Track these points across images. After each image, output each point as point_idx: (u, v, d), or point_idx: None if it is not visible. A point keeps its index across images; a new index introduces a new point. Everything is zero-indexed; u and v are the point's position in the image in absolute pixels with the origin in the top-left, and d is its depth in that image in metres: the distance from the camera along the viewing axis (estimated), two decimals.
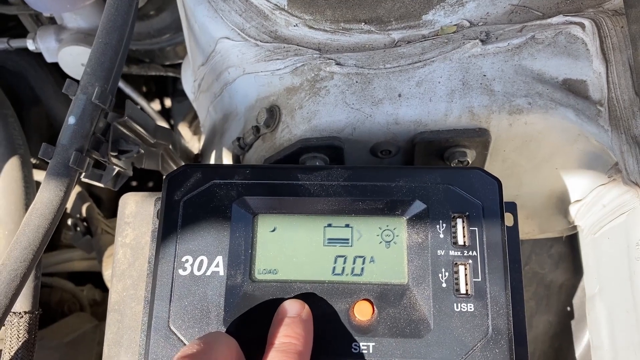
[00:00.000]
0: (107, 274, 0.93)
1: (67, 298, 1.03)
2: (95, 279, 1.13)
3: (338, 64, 0.63)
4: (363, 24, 0.63)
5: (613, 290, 0.65)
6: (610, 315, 0.66)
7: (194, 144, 1.15)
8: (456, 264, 0.49)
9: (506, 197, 0.56)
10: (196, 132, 1.18)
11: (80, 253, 1.04)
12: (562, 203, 0.72)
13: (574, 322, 0.84)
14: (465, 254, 0.49)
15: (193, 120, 1.19)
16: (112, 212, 1.18)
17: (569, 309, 0.85)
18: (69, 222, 0.98)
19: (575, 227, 0.74)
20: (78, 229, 0.96)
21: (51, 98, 1.12)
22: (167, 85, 1.37)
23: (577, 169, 0.67)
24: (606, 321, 0.66)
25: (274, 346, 0.44)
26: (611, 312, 0.65)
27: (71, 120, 0.59)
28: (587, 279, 0.71)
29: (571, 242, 0.85)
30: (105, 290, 1.13)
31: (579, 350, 0.82)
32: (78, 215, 0.97)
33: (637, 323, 0.59)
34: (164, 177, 0.52)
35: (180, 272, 0.49)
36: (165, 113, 1.42)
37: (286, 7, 0.65)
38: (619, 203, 0.62)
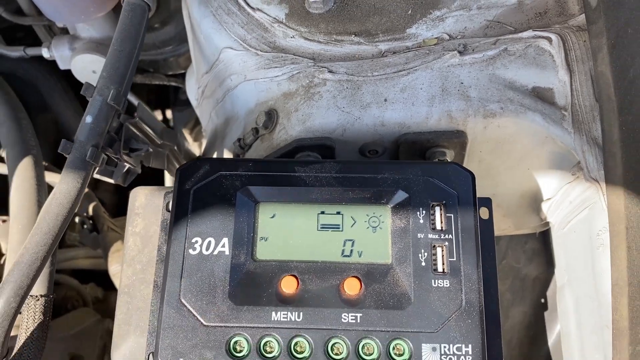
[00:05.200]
0: (112, 269, 0.99)
1: (71, 295, 1.08)
2: (98, 278, 1.18)
3: (330, 71, 0.70)
4: (353, 36, 0.70)
5: (579, 280, 0.71)
6: (577, 304, 0.72)
7: (194, 150, 1.21)
8: (434, 245, 0.55)
9: (483, 195, 0.63)
10: (196, 138, 1.25)
11: (84, 251, 1.10)
12: (534, 201, 0.79)
13: (547, 312, 0.90)
14: (442, 237, 0.55)
15: (193, 127, 1.26)
16: (114, 213, 1.24)
17: (542, 300, 0.92)
18: (77, 220, 1.04)
19: (547, 223, 0.80)
20: (85, 226, 1.01)
21: (59, 105, 1.18)
22: (168, 95, 1.44)
23: (547, 169, 0.73)
24: (573, 309, 0.73)
25: None
26: (578, 300, 0.72)
27: (88, 119, 0.65)
28: (557, 271, 0.77)
29: (544, 238, 0.91)
30: (107, 288, 1.19)
31: (551, 338, 0.88)
32: (85, 214, 1.03)
33: (600, 308, 0.66)
34: (176, 169, 0.58)
35: (191, 251, 0.55)
36: (166, 122, 1.49)
37: (284, 21, 0.72)
38: (582, 199, 0.69)
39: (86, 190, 1.09)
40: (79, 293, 1.08)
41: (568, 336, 0.74)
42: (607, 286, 0.63)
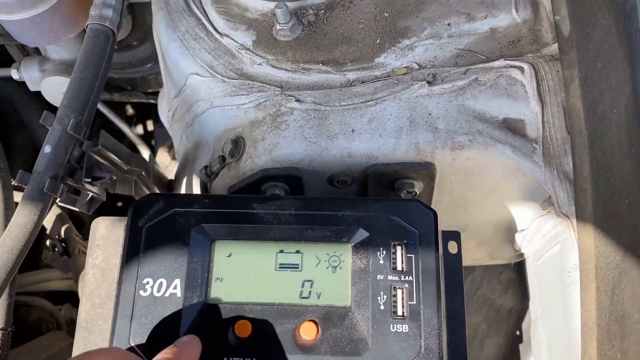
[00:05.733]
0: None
1: (44, 317, 1.06)
2: (73, 299, 1.16)
3: (298, 100, 0.68)
4: (321, 65, 0.68)
5: (551, 314, 0.69)
6: (549, 338, 0.70)
7: (173, 169, 1.19)
8: (394, 287, 0.53)
9: (456, 226, 0.61)
10: (174, 157, 1.23)
11: (58, 273, 1.08)
12: (509, 232, 0.77)
13: (522, 345, 0.89)
14: (402, 279, 0.54)
15: (172, 145, 1.24)
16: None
17: (517, 332, 0.90)
18: (48, 243, 1.02)
19: (522, 254, 0.79)
20: (56, 249, 0.99)
21: (35, 123, 1.16)
22: (150, 110, 1.42)
23: (520, 200, 0.72)
24: (546, 343, 0.71)
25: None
26: (550, 335, 0.70)
27: (47, 149, 0.64)
28: (532, 304, 0.76)
29: (519, 268, 0.90)
30: None
31: None
32: (57, 237, 1.01)
33: (570, 346, 0.64)
34: (130, 206, 0.57)
35: (142, 292, 0.53)
36: (147, 137, 1.47)
37: (251, 48, 0.70)
38: (554, 233, 0.67)
39: (59, 211, 1.08)
40: (52, 315, 1.06)
41: None
42: (578, 324, 0.61)
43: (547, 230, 0.68)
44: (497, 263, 0.84)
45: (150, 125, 1.49)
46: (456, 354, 0.56)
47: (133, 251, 0.55)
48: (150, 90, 1.20)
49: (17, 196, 0.93)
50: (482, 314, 0.90)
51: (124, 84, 1.15)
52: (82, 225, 1.22)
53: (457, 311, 0.58)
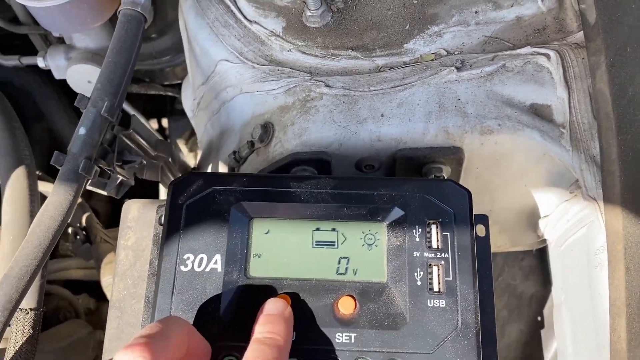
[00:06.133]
0: (104, 280, 0.98)
1: (63, 305, 1.06)
2: (90, 289, 1.17)
3: (327, 85, 0.69)
4: (350, 50, 0.69)
5: (576, 298, 0.70)
6: (573, 322, 0.71)
7: (190, 161, 1.20)
8: (430, 264, 0.54)
9: (479, 212, 0.62)
10: (192, 149, 1.24)
11: (77, 262, 1.09)
12: (531, 218, 0.78)
13: (543, 330, 0.89)
14: (438, 256, 0.55)
15: (189, 138, 1.25)
16: (107, 223, 1.22)
17: (539, 318, 0.91)
18: (70, 230, 1.03)
19: (544, 240, 0.80)
20: (78, 237, 1.00)
21: (54, 114, 1.17)
22: (165, 105, 1.43)
23: (544, 186, 0.73)
24: (570, 327, 0.72)
25: (257, 339, 0.49)
26: (574, 319, 0.71)
27: (82, 130, 0.65)
28: (554, 289, 0.77)
29: (541, 255, 0.91)
30: (99, 299, 1.17)
31: (548, 357, 0.87)
32: (78, 225, 1.02)
33: (596, 327, 0.65)
34: (169, 183, 0.58)
35: (182, 268, 0.54)
36: (162, 131, 1.48)
37: (281, 34, 0.72)
38: (580, 217, 0.68)
39: (80, 200, 1.09)
40: (70, 304, 1.07)
41: (564, 355, 0.73)
42: (605, 306, 0.62)
43: (572, 215, 0.69)
44: (518, 250, 0.86)
45: (164, 121, 1.50)
46: (486, 335, 0.56)
47: (173, 228, 0.55)
48: (167, 83, 1.21)
49: (41, 185, 0.94)
50: (503, 300, 0.91)
51: (142, 75, 1.16)
52: (96, 215, 1.23)
53: (486, 292, 0.59)
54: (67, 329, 1.01)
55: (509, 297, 0.91)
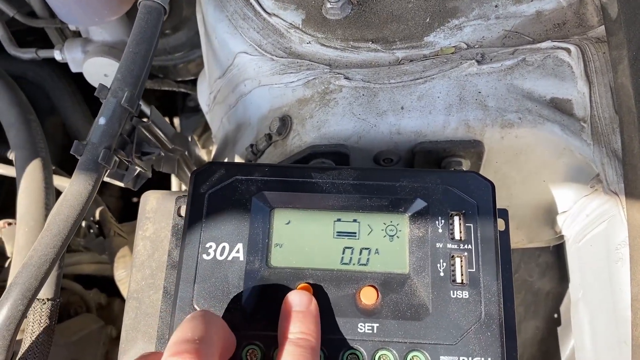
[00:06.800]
0: (117, 274, 0.98)
1: (74, 300, 1.06)
2: (101, 284, 1.17)
3: (347, 78, 0.69)
4: (370, 43, 0.69)
5: (595, 294, 0.70)
6: (592, 318, 0.71)
7: (203, 157, 1.20)
8: (453, 256, 0.54)
9: (498, 207, 0.62)
10: (204, 145, 1.24)
11: (88, 256, 1.09)
12: (549, 214, 0.78)
13: (560, 328, 0.89)
14: (461, 247, 0.54)
15: (201, 134, 1.25)
16: (117, 219, 1.22)
17: (555, 315, 0.90)
18: (83, 224, 1.03)
19: (561, 237, 0.79)
20: (91, 231, 1.00)
21: (67, 108, 1.17)
22: (175, 102, 1.44)
23: (563, 181, 0.73)
24: (589, 324, 0.71)
25: (290, 341, 0.48)
26: (593, 315, 0.71)
27: (101, 120, 0.65)
28: (572, 286, 0.76)
29: (558, 251, 0.90)
30: (110, 295, 1.17)
31: (564, 354, 0.86)
32: (92, 218, 1.02)
33: (616, 322, 0.64)
34: (191, 173, 0.58)
35: (204, 256, 0.54)
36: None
37: (300, 26, 0.71)
38: (600, 212, 0.67)
39: None
40: (82, 298, 1.07)
41: (582, 352, 0.72)
42: (626, 301, 0.62)
43: (591, 210, 0.69)
44: (535, 246, 0.85)
45: (175, 119, 1.50)
46: (506, 329, 0.56)
47: (195, 217, 0.55)
48: (180, 79, 1.22)
49: (54, 179, 0.94)
50: (519, 297, 0.91)
51: (156, 71, 1.17)
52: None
53: (506, 287, 0.59)
54: (79, 323, 1.01)
55: (525, 294, 0.91)
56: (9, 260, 1.02)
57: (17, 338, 0.72)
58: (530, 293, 0.90)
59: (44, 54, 0.98)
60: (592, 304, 0.71)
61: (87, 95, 1.20)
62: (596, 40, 0.69)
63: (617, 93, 0.64)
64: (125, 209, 1.41)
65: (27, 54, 1.01)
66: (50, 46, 1.03)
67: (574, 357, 0.84)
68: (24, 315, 0.59)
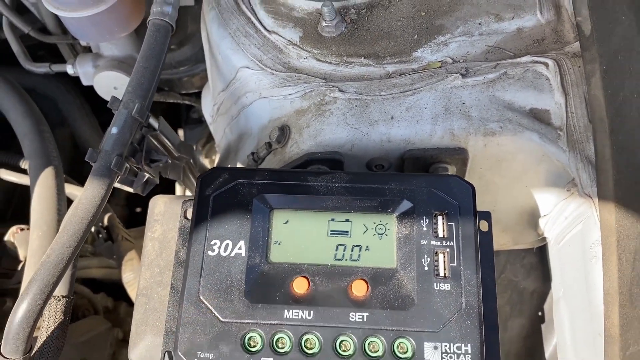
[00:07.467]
0: (125, 277, 1.02)
1: (82, 303, 1.11)
2: (108, 289, 1.22)
3: (341, 90, 0.74)
4: (362, 58, 0.75)
5: (573, 292, 0.75)
6: (571, 315, 0.76)
7: (206, 165, 1.25)
8: (436, 252, 0.59)
9: (484, 210, 0.67)
10: (207, 155, 1.29)
11: (96, 261, 1.13)
12: (532, 217, 0.83)
13: (544, 325, 0.94)
14: (444, 244, 0.59)
15: (204, 145, 1.30)
16: (124, 226, 1.27)
17: (540, 313, 0.95)
18: (92, 229, 1.08)
19: (544, 238, 0.84)
20: (100, 235, 1.05)
21: (76, 120, 1.23)
22: (179, 114, 1.49)
23: (544, 186, 0.78)
24: (568, 321, 0.76)
25: None
26: (572, 312, 0.75)
27: (114, 130, 0.70)
28: (554, 285, 0.81)
29: (541, 252, 0.95)
30: (117, 299, 1.22)
31: (548, 350, 0.91)
32: (100, 224, 1.07)
33: (592, 318, 0.69)
34: (197, 177, 0.63)
35: (210, 253, 0.59)
36: None
37: (298, 43, 0.77)
38: (577, 214, 0.72)
39: None
40: (90, 301, 1.12)
41: (564, 347, 0.77)
42: (600, 297, 0.67)
43: (569, 213, 0.74)
44: (520, 248, 0.90)
45: (179, 130, 1.56)
46: (488, 321, 0.61)
47: (201, 217, 0.61)
48: (184, 92, 1.27)
49: (66, 187, 0.99)
50: (505, 296, 0.95)
51: (162, 84, 1.22)
52: None
53: (489, 284, 0.64)
54: (87, 325, 1.05)
55: (511, 293, 0.96)
56: (21, 264, 1.06)
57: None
58: (515, 292, 0.95)
59: (57, 68, 1.04)
60: (572, 301, 0.75)
61: (95, 107, 1.25)
62: (572, 55, 0.74)
63: (591, 104, 0.70)
64: (130, 217, 1.46)
65: (40, 68, 1.07)
66: (59, 60, 1.09)
67: (556, 352, 0.88)
68: (42, 309, 0.64)
